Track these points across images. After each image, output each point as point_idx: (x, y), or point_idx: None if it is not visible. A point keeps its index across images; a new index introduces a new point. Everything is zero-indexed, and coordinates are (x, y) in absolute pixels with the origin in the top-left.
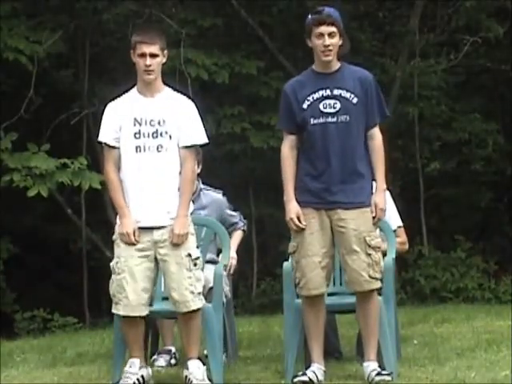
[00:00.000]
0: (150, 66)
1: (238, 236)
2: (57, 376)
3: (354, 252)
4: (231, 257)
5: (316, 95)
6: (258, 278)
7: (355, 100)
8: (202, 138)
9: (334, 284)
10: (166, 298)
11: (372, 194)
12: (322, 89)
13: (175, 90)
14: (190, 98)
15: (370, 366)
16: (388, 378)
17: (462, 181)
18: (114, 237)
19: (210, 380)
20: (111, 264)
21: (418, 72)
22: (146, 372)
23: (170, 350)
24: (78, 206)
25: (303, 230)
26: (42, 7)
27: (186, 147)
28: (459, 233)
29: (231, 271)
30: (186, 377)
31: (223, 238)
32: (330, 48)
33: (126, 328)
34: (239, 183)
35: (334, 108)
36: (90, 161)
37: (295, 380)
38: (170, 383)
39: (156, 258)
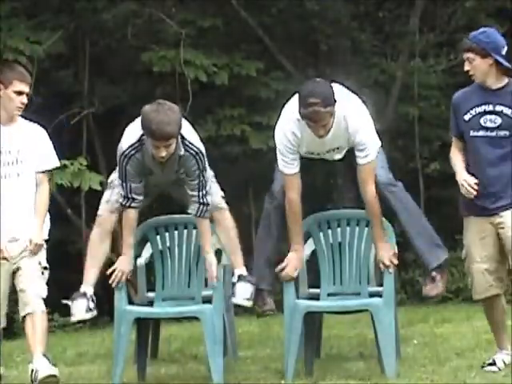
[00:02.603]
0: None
1: (202, 226)
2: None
3: None
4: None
5: (479, 109)
6: None
7: None
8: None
9: (334, 284)
10: (165, 299)
11: None
12: (485, 104)
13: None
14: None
15: None
16: None
17: None
18: None
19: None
20: None
21: (418, 72)
22: None
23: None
24: (78, 207)
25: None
26: (42, 7)
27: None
28: (459, 233)
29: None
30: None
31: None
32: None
33: None
34: (239, 184)
35: (495, 123)
36: (90, 161)
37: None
38: (170, 383)
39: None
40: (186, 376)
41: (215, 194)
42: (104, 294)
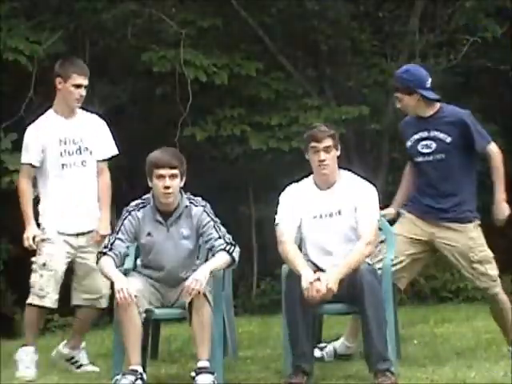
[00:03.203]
0: None
1: (219, 257)
2: (57, 376)
3: None
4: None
5: (416, 136)
6: (258, 278)
7: (449, 140)
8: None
9: None
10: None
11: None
12: (421, 131)
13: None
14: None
15: None
16: None
17: None
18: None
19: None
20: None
21: None
22: None
23: (137, 371)
24: None
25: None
26: (42, 7)
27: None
28: None
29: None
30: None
31: None
32: None
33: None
34: (239, 184)
35: (430, 148)
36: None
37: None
38: (170, 383)
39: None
40: (186, 376)
41: None
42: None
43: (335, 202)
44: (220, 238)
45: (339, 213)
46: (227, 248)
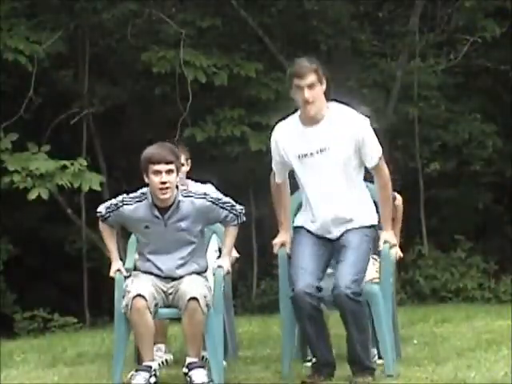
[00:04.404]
0: None
1: (230, 234)
2: (57, 376)
3: None
4: (231, 258)
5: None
6: (258, 278)
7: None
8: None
9: None
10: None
11: None
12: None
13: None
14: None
15: None
16: None
17: (461, 181)
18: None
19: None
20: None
21: (418, 72)
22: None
23: (151, 367)
24: (78, 206)
25: None
26: (42, 7)
27: None
28: (459, 233)
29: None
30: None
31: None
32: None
33: None
34: (239, 184)
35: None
36: (90, 161)
37: None
38: (170, 383)
39: None
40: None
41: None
42: (104, 294)
43: (323, 138)
44: (228, 214)
45: (328, 149)
46: (236, 222)
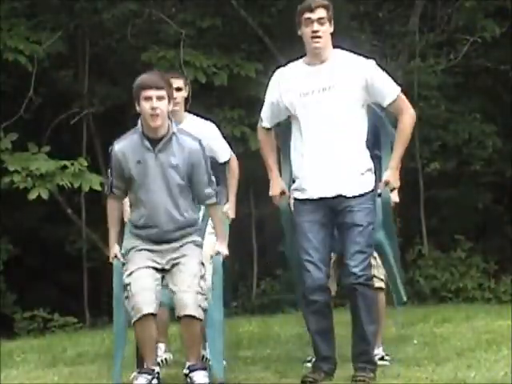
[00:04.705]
0: None
1: (216, 217)
2: (57, 376)
3: None
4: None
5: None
6: (258, 278)
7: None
8: None
9: None
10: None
11: None
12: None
13: None
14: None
15: None
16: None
17: (461, 181)
18: None
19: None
20: None
21: (418, 72)
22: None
23: (153, 370)
24: (78, 206)
25: None
26: (42, 7)
27: None
28: (459, 233)
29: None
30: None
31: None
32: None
33: None
34: (239, 184)
35: None
36: (90, 161)
37: None
38: (170, 383)
39: None
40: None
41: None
42: (104, 294)
43: (327, 77)
44: (209, 185)
45: (331, 87)
46: (215, 200)
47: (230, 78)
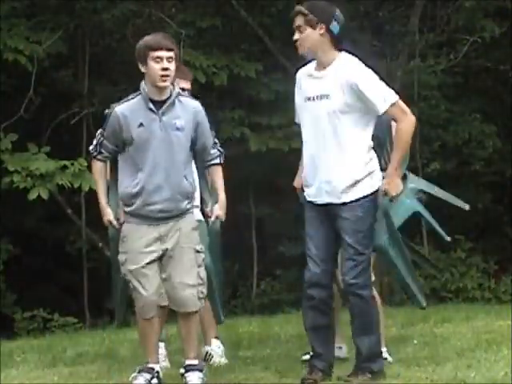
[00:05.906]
0: None
1: (218, 175)
2: (57, 376)
3: None
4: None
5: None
6: (258, 278)
7: None
8: None
9: None
10: None
11: None
12: None
13: None
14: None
15: None
16: None
17: (461, 181)
18: None
19: None
20: None
21: (418, 72)
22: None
23: (153, 369)
24: (78, 206)
25: None
26: (42, 7)
27: None
28: (459, 233)
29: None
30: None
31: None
32: None
33: None
34: (239, 184)
35: None
36: (90, 161)
37: None
38: (170, 383)
39: None
40: None
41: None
42: (104, 294)
43: (324, 85)
44: (214, 145)
45: (326, 96)
46: (219, 160)
47: (230, 78)
